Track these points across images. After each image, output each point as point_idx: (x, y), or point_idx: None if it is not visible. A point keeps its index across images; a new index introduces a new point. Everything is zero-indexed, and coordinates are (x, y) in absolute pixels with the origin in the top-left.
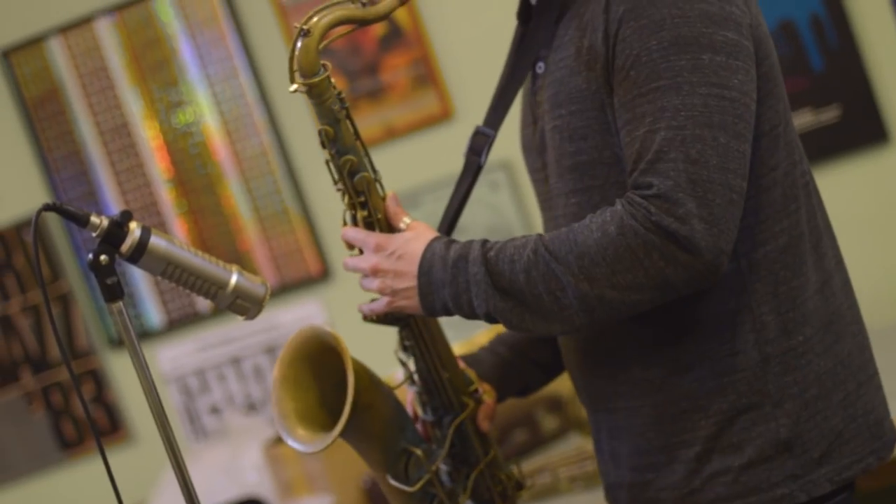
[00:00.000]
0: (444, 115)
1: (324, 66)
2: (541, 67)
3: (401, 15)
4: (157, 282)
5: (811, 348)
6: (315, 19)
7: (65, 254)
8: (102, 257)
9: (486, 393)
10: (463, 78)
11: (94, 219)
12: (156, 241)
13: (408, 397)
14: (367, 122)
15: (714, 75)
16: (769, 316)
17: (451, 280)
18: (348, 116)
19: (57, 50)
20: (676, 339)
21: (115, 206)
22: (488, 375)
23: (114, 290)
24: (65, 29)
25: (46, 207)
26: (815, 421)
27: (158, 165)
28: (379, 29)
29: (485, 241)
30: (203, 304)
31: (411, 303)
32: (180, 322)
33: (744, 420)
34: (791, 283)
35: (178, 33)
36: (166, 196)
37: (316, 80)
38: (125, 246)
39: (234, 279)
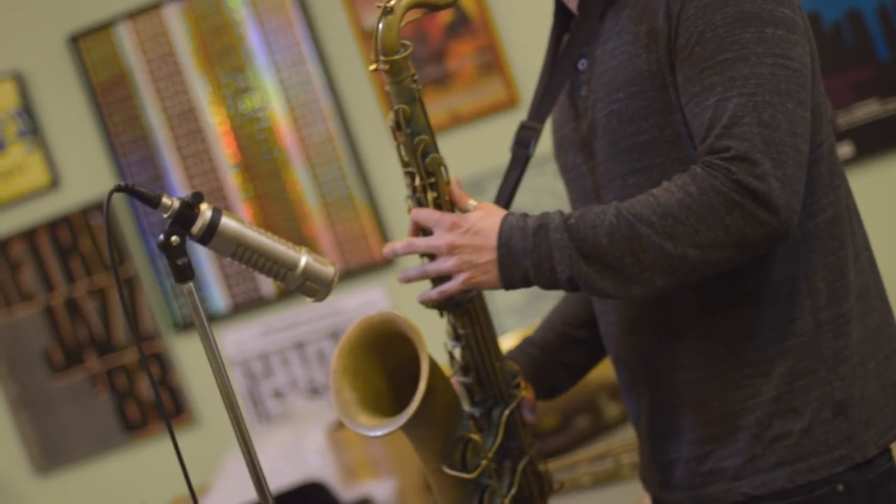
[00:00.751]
0: (509, 103)
1: (404, 44)
2: (583, 64)
3: (467, 2)
4: (222, 265)
5: (854, 317)
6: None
7: (131, 238)
8: (173, 238)
9: (525, 388)
10: (528, 66)
11: (165, 200)
12: (226, 222)
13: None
14: (434, 108)
15: (777, 47)
16: (821, 283)
17: (533, 248)
18: (421, 99)
19: (125, 35)
20: (738, 308)
21: (182, 191)
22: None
23: (185, 271)
24: (133, 14)
25: (118, 188)
26: (859, 385)
27: (225, 151)
28: (446, 16)
29: (562, 212)
30: (268, 288)
31: (489, 277)
32: (245, 306)
33: (801, 384)
34: (838, 253)
35: (245, 20)
36: (232, 181)
37: (398, 57)
38: (196, 227)
39: (303, 261)
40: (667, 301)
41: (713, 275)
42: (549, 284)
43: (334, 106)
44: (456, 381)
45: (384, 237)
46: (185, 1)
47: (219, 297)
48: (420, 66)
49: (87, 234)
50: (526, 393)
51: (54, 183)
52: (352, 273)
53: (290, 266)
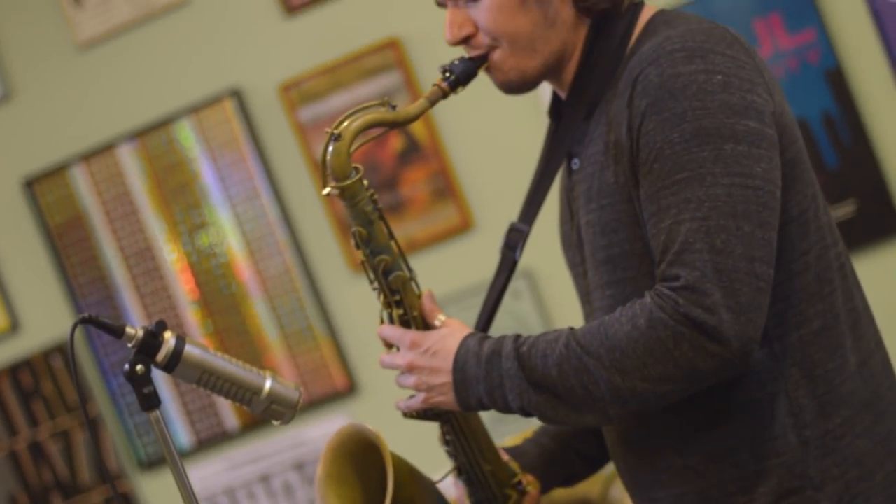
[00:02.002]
0: (463, 227)
1: (356, 168)
2: (576, 164)
3: (418, 129)
4: (184, 402)
5: (851, 429)
6: (346, 123)
7: (93, 378)
8: (139, 367)
9: (531, 484)
10: (481, 189)
11: (129, 329)
12: (190, 349)
13: (457, 492)
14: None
15: (737, 165)
16: (806, 399)
17: (485, 375)
18: (381, 217)
19: (80, 177)
20: (715, 426)
21: None
22: (533, 466)
23: (151, 400)
24: (87, 156)
25: (83, 320)
26: (857, 502)
27: (183, 287)
28: (397, 144)
29: (517, 337)
30: (231, 422)
31: (447, 398)
32: (209, 441)
33: None
34: (827, 365)
35: (198, 156)
36: (192, 317)
37: (348, 182)
38: (161, 355)
39: (268, 384)
40: (649, 416)
41: (672, 402)
42: (504, 410)
43: (290, 238)
44: (453, 481)
45: (345, 366)
46: (137, 140)
47: (182, 434)
48: None
49: (49, 377)
50: (532, 489)
51: (14, 327)
52: (315, 403)
53: (255, 390)
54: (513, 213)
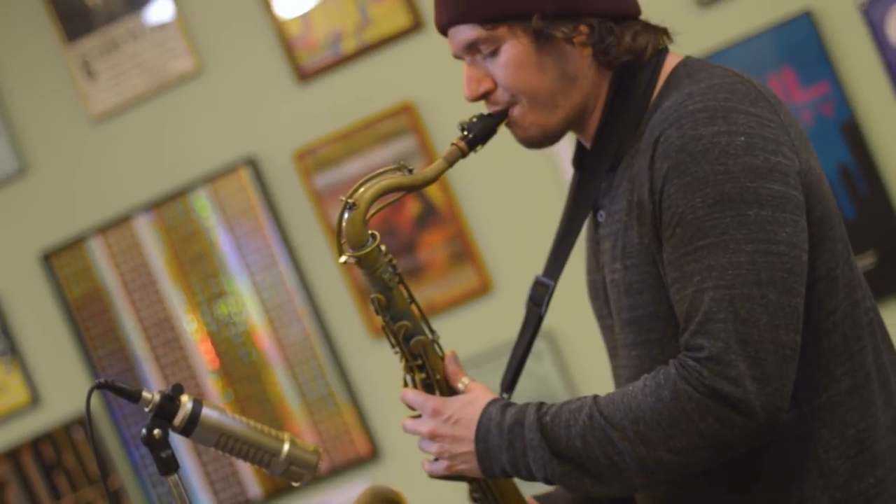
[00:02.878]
0: (483, 289)
1: (372, 235)
2: (602, 216)
3: (434, 193)
4: (206, 471)
5: (886, 489)
6: (361, 191)
7: (115, 450)
8: (156, 431)
9: None
10: (499, 251)
11: (145, 394)
12: (208, 412)
13: None
14: None
15: (760, 230)
16: (837, 461)
17: (508, 446)
18: (401, 281)
19: (97, 249)
20: (743, 490)
21: None
22: None
23: (169, 463)
24: (104, 228)
25: (98, 385)
26: None
27: (203, 357)
28: (413, 208)
29: (540, 405)
30: (254, 490)
31: (470, 467)
32: None
33: None
34: (858, 425)
35: (215, 225)
36: (213, 386)
37: (365, 251)
38: (178, 419)
39: (286, 446)
40: (676, 480)
41: (700, 470)
42: (528, 479)
43: (309, 305)
44: None
45: (367, 431)
46: (154, 211)
47: (205, 503)
48: None
49: (71, 450)
50: None
51: (34, 400)
52: (337, 469)
53: (274, 452)
54: (532, 273)
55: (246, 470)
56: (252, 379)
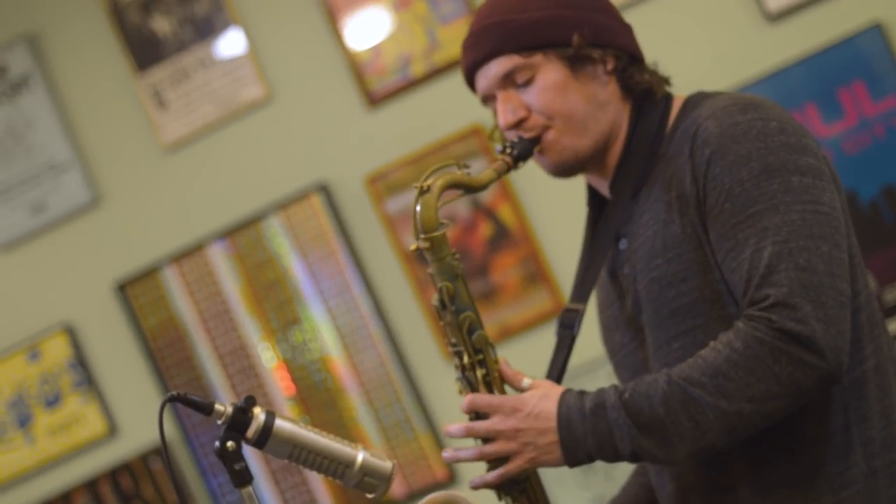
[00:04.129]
0: (557, 311)
1: (443, 222)
2: (623, 244)
3: (506, 215)
4: (283, 497)
5: None
6: (431, 179)
7: (192, 479)
8: (229, 444)
9: None
10: (572, 272)
11: (218, 406)
12: (281, 423)
13: None
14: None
15: (805, 194)
16: (873, 431)
17: (593, 429)
18: (463, 276)
19: (171, 278)
20: (792, 460)
21: None
22: None
23: (243, 476)
24: (178, 257)
25: (171, 398)
26: None
27: (279, 384)
28: (486, 230)
29: (616, 387)
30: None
31: (553, 456)
32: None
33: None
34: (884, 401)
35: (289, 252)
36: (289, 413)
37: (437, 233)
38: (251, 431)
39: (360, 457)
40: (719, 460)
41: (772, 423)
42: (613, 459)
43: (383, 330)
44: None
45: None
46: (227, 239)
47: None
48: None
49: (149, 480)
50: None
51: (112, 431)
52: (415, 495)
53: (348, 463)
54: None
55: (317, 486)
56: (328, 405)
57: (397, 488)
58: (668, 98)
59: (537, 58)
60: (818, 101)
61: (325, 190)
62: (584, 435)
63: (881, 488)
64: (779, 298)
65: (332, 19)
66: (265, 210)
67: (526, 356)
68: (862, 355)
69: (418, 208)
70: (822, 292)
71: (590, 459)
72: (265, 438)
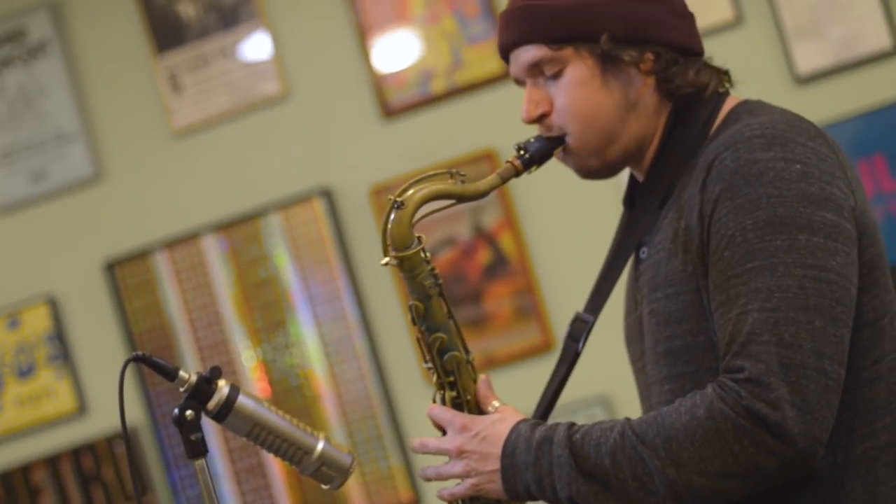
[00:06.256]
0: (545, 347)
1: (418, 238)
2: (644, 252)
3: (507, 243)
4: (245, 501)
5: None
6: (410, 192)
7: (155, 470)
8: (188, 412)
9: None
10: (565, 310)
11: (182, 373)
12: (244, 400)
13: None
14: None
15: (811, 256)
16: None
17: (535, 462)
18: (441, 294)
19: (162, 264)
20: None
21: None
22: None
23: (198, 447)
24: (171, 244)
25: (135, 358)
26: None
27: (255, 385)
28: (484, 257)
29: (571, 425)
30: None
31: (495, 486)
32: None
33: None
34: (891, 482)
35: (284, 253)
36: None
37: (408, 253)
38: (212, 403)
39: (320, 446)
40: None
41: (728, 502)
42: (551, 500)
43: (367, 344)
44: None
45: (411, 479)
46: (223, 232)
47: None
48: (456, 306)
49: (111, 463)
50: None
51: (81, 409)
52: None
53: (307, 450)
54: (597, 338)
55: (278, 486)
56: (301, 412)
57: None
58: (720, 98)
59: (567, 51)
60: None
61: (328, 195)
62: (526, 467)
63: None
64: (753, 375)
65: (358, 26)
66: (266, 208)
67: (507, 390)
68: (867, 431)
69: (390, 223)
70: (804, 374)
71: (529, 496)
72: (226, 412)
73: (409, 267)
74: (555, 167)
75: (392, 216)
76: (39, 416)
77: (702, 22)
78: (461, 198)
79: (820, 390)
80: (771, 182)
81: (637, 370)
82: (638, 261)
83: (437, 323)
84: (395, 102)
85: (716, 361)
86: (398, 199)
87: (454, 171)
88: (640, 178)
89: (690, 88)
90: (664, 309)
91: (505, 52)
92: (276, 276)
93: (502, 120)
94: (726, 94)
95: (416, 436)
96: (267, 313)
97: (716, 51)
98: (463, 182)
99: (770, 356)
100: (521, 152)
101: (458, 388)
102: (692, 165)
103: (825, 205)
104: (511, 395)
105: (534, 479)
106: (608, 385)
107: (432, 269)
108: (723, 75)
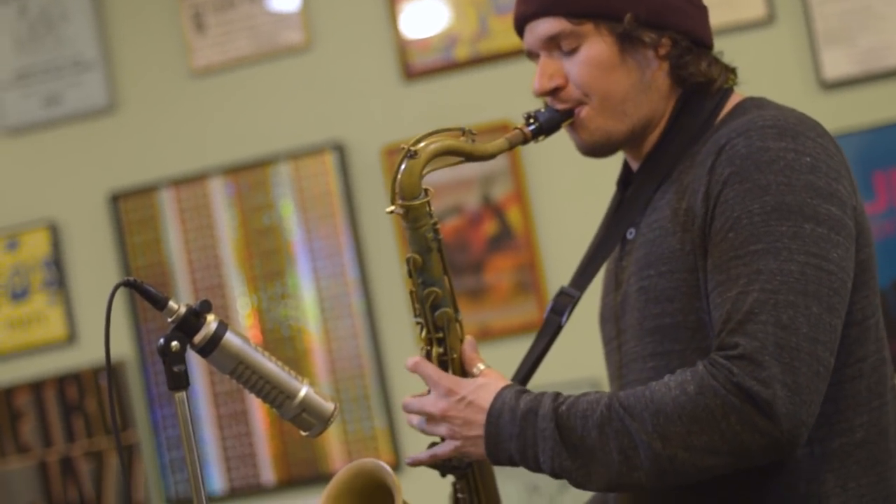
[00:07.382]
0: (540, 325)
1: (425, 191)
2: (631, 233)
3: (514, 217)
4: (225, 447)
5: None
6: (423, 144)
7: (138, 406)
8: (174, 343)
9: None
10: None
11: (172, 303)
12: (231, 337)
13: None
14: (465, 319)
15: (814, 245)
16: None
17: (519, 433)
18: (440, 250)
19: (167, 201)
20: None
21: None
22: None
23: (179, 379)
24: (178, 182)
25: (125, 283)
26: None
27: (247, 332)
28: (490, 228)
29: (557, 395)
30: (268, 475)
31: (477, 450)
32: (242, 491)
33: None
34: (860, 480)
35: (289, 204)
36: None
37: (415, 203)
38: (199, 336)
39: (303, 391)
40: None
41: (707, 479)
42: (534, 470)
43: (364, 303)
44: None
45: (393, 442)
46: (231, 176)
47: (217, 479)
48: (457, 275)
49: (95, 395)
50: None
51: (71, 338)
52: None
53: (290, 394)
54: (587, 323)
55: (264, 454)
56: (291, 364)
57: (339, 464)
58: (726, 93)
59: (587, 27)
60: None
61: (340, 150)
62: (510, 437)
63: None
64: (747, 351)
65: None
66: (276, 156)
67: (499, 363)
68: (845, 426)
69: (401, 171)
70: (798, 357)
71: (512, 463)
72: (212, 347)
73: (413, 217)
74: (569, 146)
75: (404, 165)
76: (28, 340)
77: (734, 16)
78: (470, 156)
79: (811, 375)
80: (781, 170)
81: (610, 350)
82: (624, 241)
83: (433, 278)
84: (416, 64)
85: (703, 342)
86: (412, 149)
87: (466, 129)
88: (634, 161)
89: (701, 77)
90: (656, 286)
91: (521, 23)
92: (279, 225)
93: (521, 93)
94: (732, 89)
95: (402, 398)
96: (266, 262)
97: (745, 47)
98: (473, 141)
99: (766, 335)
100: (531, 121)
101: (446, 345)
102: (694, 152)
103: (831, 199)
104: (501, 369)
105: (517, 450)
106: (597, 369)
107: (434, 224)
108: (730, 72)
